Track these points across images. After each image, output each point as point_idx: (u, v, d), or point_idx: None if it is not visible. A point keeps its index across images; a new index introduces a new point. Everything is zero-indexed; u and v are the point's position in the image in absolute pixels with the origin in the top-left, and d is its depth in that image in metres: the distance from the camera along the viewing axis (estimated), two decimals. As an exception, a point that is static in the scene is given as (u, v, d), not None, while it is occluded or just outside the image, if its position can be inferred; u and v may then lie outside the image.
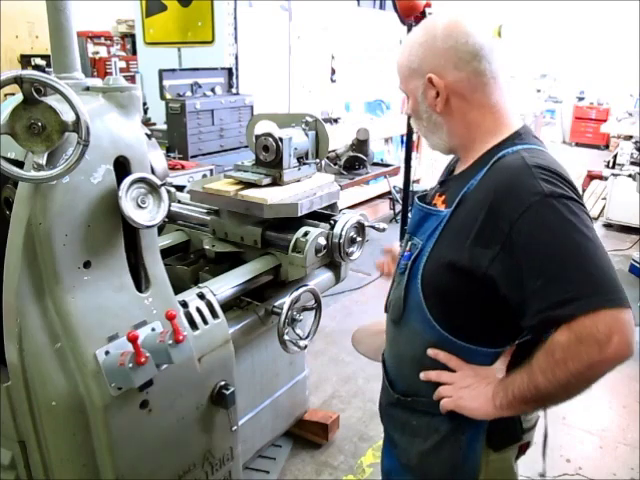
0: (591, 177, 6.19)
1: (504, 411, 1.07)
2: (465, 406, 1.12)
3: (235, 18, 4.42)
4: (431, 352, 1.16)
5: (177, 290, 1.44)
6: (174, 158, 3.73)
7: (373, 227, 1.90)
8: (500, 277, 1.03)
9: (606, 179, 5.34)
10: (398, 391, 1.29)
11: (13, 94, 1.27)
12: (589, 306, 0.93)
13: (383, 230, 1.95)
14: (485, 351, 1.14)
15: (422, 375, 1.19)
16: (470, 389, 1.12)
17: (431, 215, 1.19)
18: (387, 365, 1.36)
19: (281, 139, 1.80)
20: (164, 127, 4.00)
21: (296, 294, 1.70)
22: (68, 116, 1.09)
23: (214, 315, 1.51)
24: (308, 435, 2.55)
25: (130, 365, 1.12)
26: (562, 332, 0.95)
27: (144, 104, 4.33)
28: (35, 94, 1.07)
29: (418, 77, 1.15)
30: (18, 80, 1.05)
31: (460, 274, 1.08)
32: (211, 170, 3.67)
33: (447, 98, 1.13)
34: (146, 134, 1.42)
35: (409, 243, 1.24)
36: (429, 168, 6.52)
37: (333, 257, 1.85)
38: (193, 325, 1.44)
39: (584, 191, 6.17)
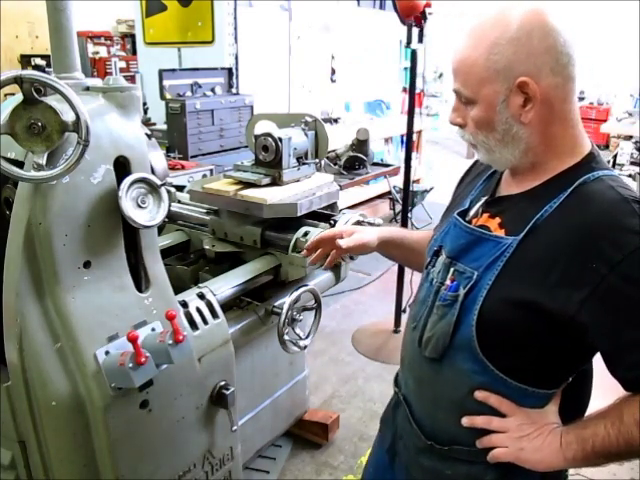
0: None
1: (576, 464, 0.98)
2: (528, 458, 1.00)
3: (235, 18, 4.42)
4: (480, 395, 1.03)
5: (177, 290, 1.44)
6: (174, 158, 3.73)
7: (370, 223, 1.89)
8: (590, 323, 0.92)
9: (606, 179, 5.33)
10: (429, 437, 1.14)
11: (13, 94, 1.27)
12: None
13: (379, 225, 1.94)
14: (541, 392, 1.02)
15: (465, 421, 1.05)
16: (530, 438, 1.00)
17: (487, 240, 1.03)
18: (413, 406, 1.20)
19: (280, 139, 1.80)
20: (164, 127, 4.00)
21: (296, 294, 1.70)
22: (68, 116, 1.09)
23: (214, 315, 1.51)
24: (308, 435, 2.55)
25: (130, 365, 1.12)
26: None
27: (144, 104, 4.34)
28: (35, 94, 1.07)
29: (501, 80, 0.96)
30: (18, 80, 1.05)
31: (535, 314, 0.96)
32: (211, 170, 3.67)
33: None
34: (146, 134, 1.42)
35: (451, 269, 1.07)
36: (429, 169, 6.52)
37: (333, 257, 1.85)
38: (193, 325, 1.44)
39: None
